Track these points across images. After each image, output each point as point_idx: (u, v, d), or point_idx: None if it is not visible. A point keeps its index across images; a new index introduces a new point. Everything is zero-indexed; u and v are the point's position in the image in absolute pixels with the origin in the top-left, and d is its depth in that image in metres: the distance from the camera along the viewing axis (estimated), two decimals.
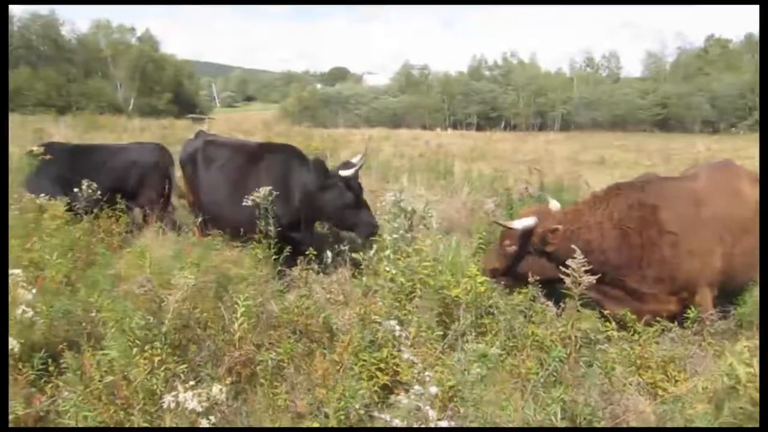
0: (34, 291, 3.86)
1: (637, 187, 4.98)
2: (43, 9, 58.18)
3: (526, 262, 5.02)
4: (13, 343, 3.30)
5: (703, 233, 4.68)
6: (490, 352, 3.60)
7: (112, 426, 3.20)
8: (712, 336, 4.38)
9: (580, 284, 3.89)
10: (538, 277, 4.77)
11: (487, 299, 4.54)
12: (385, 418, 3.03)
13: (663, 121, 67.42)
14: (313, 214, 6.43)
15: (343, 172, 6.04)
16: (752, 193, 4.97)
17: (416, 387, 3.07)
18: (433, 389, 3.06)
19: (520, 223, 4.91)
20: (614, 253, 4.67)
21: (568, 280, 3.97)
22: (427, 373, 3.42)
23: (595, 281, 4.05)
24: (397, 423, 2.83)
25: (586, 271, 3.98)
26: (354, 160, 6.35)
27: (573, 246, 4.56)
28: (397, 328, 3.83)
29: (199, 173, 6.89)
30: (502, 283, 5.05)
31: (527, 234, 4.90)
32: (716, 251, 4.70)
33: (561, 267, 4.74)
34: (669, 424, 3.38)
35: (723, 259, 4.73)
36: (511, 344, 4.17)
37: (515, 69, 78.74)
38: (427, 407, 2.90)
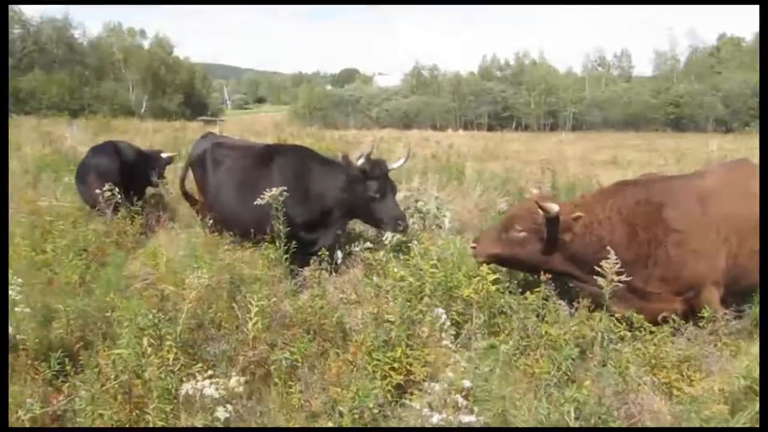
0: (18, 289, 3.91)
1: (643, 184, 4.95)
2: (57, 12, 58.72)
3: (530, 249, 4.85)
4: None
5: (709, 232, 4.62)
6: (501, 348, 3.61)
7: (126, 425, 3.23)
8: (727, 336, 4.34)
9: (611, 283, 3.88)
10: (538, 265, 4.75)
11: (499, 299, 4.54)
12: (415, 406, 3.04)
13: (675, 121, 66.96)
14: (346, 214, 6.36)
15: (358, 162, 6.02)
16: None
17: (449, 374, 3.08)
18: (467, 383, 3.07)
19: (555, 207, 4.66)
20: (623, 250, 4.48)
21: (601, 281, 3.94)
22: (463, 364, 3.43)
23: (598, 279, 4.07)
24: (426, 412, 2.84)
25: (594, 266, 4.05)
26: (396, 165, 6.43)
27: (587, 241, 4.61)
28: (443, 315, 3.84)
29: (209, 174, 6.92)
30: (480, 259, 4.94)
31: (551, 221, 4.70)
32: (722, 250, 4.63)
33: (568, 260, 4.78)
34: (685, 425, 3.36)
35: (730, 258, 4.66)
36: (524, 344, 4.16)
37: (526, 69, 78.55)
38: (458, 396, 2.91)
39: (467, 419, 2.86)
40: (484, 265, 4.73)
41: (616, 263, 3.91)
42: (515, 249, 4.91)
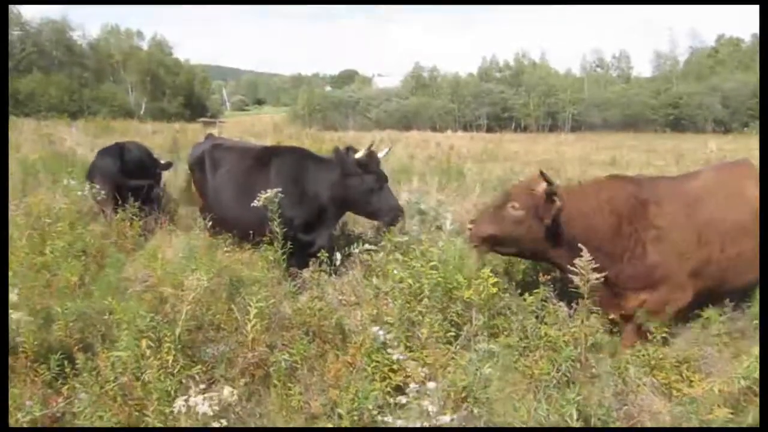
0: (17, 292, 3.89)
1: (635, 180, 4.98)
2: (56, 14, 58.71)
3: (530, 230, 4.63)
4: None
5: (689, 233, 4.59)
6: (501, 349, 3.61)
7: (126, 426, 3.23)
8: (727, 335, 4.34)
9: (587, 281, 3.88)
10: (529, 250, 4.78)
11: (499, 300, 4.53)
12: (388, 420, 3.03)
13: (675, 121, 66.97)
14: (339, 209, 6.37)
15: (357, 155, 6.05)
16: (755, 195, 4.79)
17: (412, 385, 3.07)
18: (431, 384, 3.06)
19: (555, 181, 4.61)
20: (607, 242, 4.57)
21: (576, 279, 3.95)
22: (422, 369, 3.44)
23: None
24: (400, 424, 2.84)
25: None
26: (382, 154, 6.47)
27: (581, 227, 4.57)
28: (381, 333, 3.80)
29: (207, 176, 6.93)
30: (483, 249, 4.82)
31: (550, 197, 4.52)
32: (701, 253, 4.60)
33: (561, 246, 4.65)
34: (685, 426, 3.36)
35: (713, 260, 4.62)
36: (523, 345, 4.16)
37: (526, 70, 78.64)
38: (427, 403, 2.90)
39: (441, 420, 2.86)
40: (482, 263, 4.70)
41: (591, 260, 3.91)
42: (512, 228, 4.68)
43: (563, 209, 4.48)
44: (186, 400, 2.93)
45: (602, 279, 4.05)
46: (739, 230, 4.65)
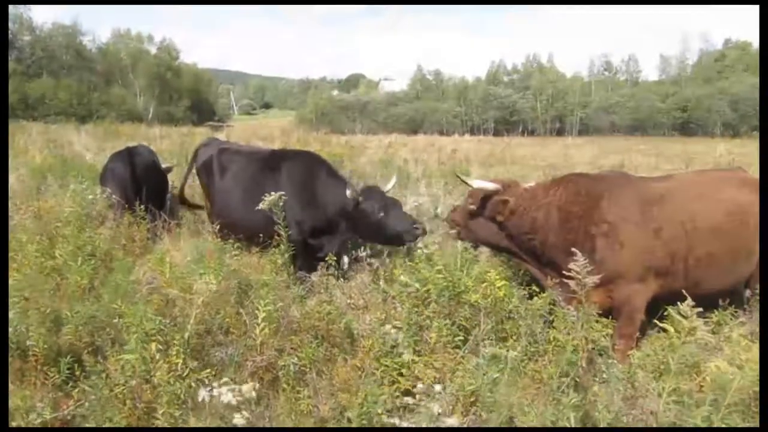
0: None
1: (591, 177, 5.11)
2: (66, 19, 59.08)
3: (479, 223, 5.23)
4: None
5: (645, 228, 4.55)
6: (510, 355, 3.61)
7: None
8: (740, 339, 4.31)
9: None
10: (487, 240, 5.33)
11: (507, 304, 4.52)
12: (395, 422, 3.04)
13: (683, 125, 66.80)
14: (349, 226, 6.20)
15: (347, 194, 5.92)
16: (732, 198, 4.76)
17: (419, 385, 3.09)
18: (437, 387, 3.07)
19: (479, 183, 5.21)
20: (553, 235, 4.75)
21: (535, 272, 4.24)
22: (427, 371, 3.45)
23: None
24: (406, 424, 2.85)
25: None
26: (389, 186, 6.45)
27: (521, 222, 4.91)
28: (393, 331, 3.84)
29: (215, 180, 6.93)
30: (453, 232, 5.55)
31: (486, 198, 5.07)
32: (661, 250, 4.55)
33: (507, 238, 5.10)
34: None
35: (676, 256, 4.58)
36: (532, 349, 4.15)
37: (533, 73, 78.58)
38: (432, 404, 2.91)
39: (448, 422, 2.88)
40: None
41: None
42: (469, 220, 5.31)
43: (511, 206, 4.93)
44: (210, 391, 2.96)
45: (557, 270, 4.45)
46: (710, 230, 4.62)
